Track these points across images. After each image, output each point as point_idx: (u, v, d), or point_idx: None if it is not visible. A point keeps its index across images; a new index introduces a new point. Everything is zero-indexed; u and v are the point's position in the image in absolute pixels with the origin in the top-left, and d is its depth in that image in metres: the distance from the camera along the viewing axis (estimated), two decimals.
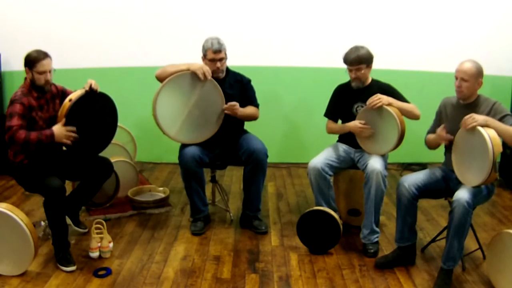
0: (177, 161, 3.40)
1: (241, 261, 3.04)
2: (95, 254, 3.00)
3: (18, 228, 2.70)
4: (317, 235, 3.13)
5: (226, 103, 3.36)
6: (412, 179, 2.93)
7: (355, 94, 3.35)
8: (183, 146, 3.39)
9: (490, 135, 2.52)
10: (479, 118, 2.61)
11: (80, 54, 4.79)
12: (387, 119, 3.12)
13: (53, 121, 2.97)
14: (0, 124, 4.37)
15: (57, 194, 2.80)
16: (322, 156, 3.30)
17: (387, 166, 3.28)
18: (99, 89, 3.05)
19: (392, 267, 2.95)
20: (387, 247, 3.21)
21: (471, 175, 2.67)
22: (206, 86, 3.32)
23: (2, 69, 4.85)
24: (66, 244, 2.91)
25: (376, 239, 3.16)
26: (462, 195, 2.61)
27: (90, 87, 2.96)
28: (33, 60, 2.87)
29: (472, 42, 4.82)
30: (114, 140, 3.48)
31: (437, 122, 3.05)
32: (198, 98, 3.34)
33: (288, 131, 5.13)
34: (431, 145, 3.05)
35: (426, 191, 2.92)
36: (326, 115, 3.55)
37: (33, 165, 2.97)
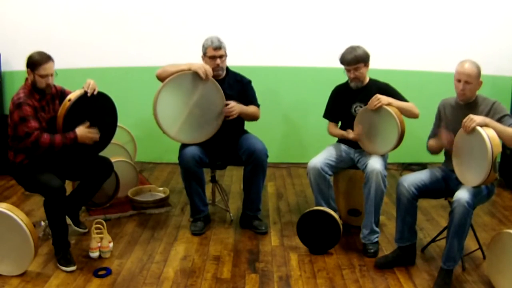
0: (177, 161, 3.40)
1: (241, 261, 3.04)
2: (95, 254, 3.00)
3: (18, 228, 2.70)
4: (317, 235, 3.13)
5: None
6: (412, 179, 2.93)
7: (353, 94, 3.35)
8: (183, 146, 3.39)
9: (489, 135, 2.52)
10: (477, 118, 2.61)
11: (80, 54, 4.79)
12: (387, 119, 3.12)
13: (53, 121, 2.97)
14: (0, 125, 4.40)
15: (57, 194, 2.80)
16: (322, 156, 3.30)
17: (387, 166, 3.28)
18: (99, 89, 3.06)
19: (392, 267, 2.95)
20: (387, 247, 3.21)
21: (470, 175, 2.67)
22: (207, 86, 3.33)
23: (2, 69, 4.85)
24: (66, 244, 2.91)
25: (376, 239, 3.16)
26: (462, 195, 2.61)
27: (88, 91, 2.97)
28: (35, 63, 2.85)
29: (472, 42, 4.82)
30: (114, 140, 3.48)
31: (437, 125, 3.05)
32: (199, 98, 3.34)
33: (288, 131, 5.13)
34: (434, 150, 3.03)
35: (426, 191, 2.92)
36: (325, 116, 3.55)
37: (33, 165, 2.97)
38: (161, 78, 3.31)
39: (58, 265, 2.87)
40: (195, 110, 3.36)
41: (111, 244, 3.07)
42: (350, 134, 3.29)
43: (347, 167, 3.41)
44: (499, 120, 2.69)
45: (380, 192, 3.07)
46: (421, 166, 4.82)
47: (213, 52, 3.35)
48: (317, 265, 3.00)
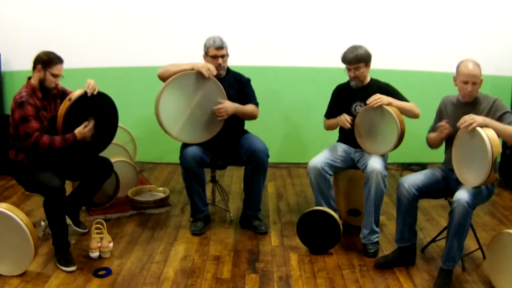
0: (177, 161, 3.40)
1: (241, 261, 3.04)
2: (95, 254, 3.00)
3: (18, 228, 2.70)
4: (317, 235, 3.13)
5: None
6: (412, 180, 2.93)
7: (354, 93, 3.36)
8: (184, 146, 3.39)
9: (489, 136, 2.52)
10: (478, 118, 2.61)
11: (80, 54, 4.79)
12: (387, 119, 3.12)
13: (54, 120, 2.98)
14: (0, 125, 4.40)
15: (57, 194, 2.80)
16: (322, 156, 3.30)
17: (387, 166, 3.28)
18: (99, 89, 3.06)
19: (392, 267, 2.95)
20: (387, 247, 3.21)
21: (470, 176, 2.67)
22: (209, 86, 3.32)
23: (2, 69, 4.85)
24: (66, 244, 2.91)
25: (376, 239, 3.16)
26: (462, 195, 2.61)
27: (88, 91, 2.98)
28: (50, 61, 2.89)
29: (472, 42, 4.82)
30: (114, 140, 3.48)
31: (438, 121, 3.05)
32: (201, 98, 3.34)
33: (288, 131, 5.13)
34: (433, 143, 3.04)
35: (426, 191, 2.92)
36: (326, 116, 3.56)
37: (34, 165, 2.97)
38: (163, 78, 3.31)
39: (58, 265, 2.87)
40: (197, 110, 3.36)
41: (111, 244, 3.07)
42: (343, 116, 3.24)
43: (347, 167, 3.41)
44: (500, 117, 2.69)
45: (380, 192, 3.07)
46: (421, 166, 4.81)
47: (215, 51, 3.35)
48: (317, 265, 3.00)
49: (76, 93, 2.99)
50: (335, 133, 3.55)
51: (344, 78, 3.43)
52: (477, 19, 4.86)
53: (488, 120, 2.62)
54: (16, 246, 2.74)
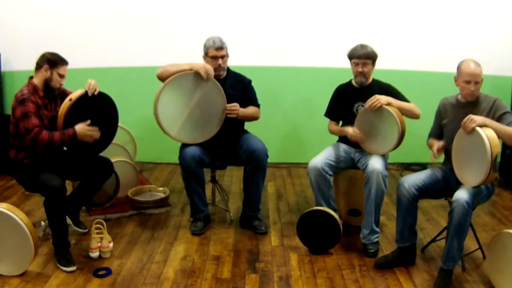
0: (177, 161, 3.40)
1: (241, 261, 3.04)
2: (95, 254, 3.00)
3: (18, 228, 2.70)
4: (317, 235, 3.13)
5: (227, 103, 3.36)
6: (412, 180, 2.93)
7: (355, 93, 3.36)
8: (184, 146, 3.39)
9: (488, 135, 2.52)
10: (477, 119, 2.61)
11: (80, 54, 4.78)
12: (387, 119, 3.12)
13: (55, 120, 2.98)
14: (0, 125, 4.41)
15: (58, 193, 2.80)
16: (322, 156, 3.30)
17: (387, 166, 3.28)
18: (99, 89, 3.06)
19: (392, 267, 2.95)
20: (387, 247, 3.21)
21: (470, 176, 2.67)
22: (208, 86, 3.33)
23: (2, 69, 4.85)
24: (66, 244, 2.91)
25: (376, 239, 3.16)
26: (462, 195, 2.61)
27: (88, 92, 2.99)
28: (58, 61, 2.95)
29: (472, 42, 4.82)
30: (114, 140, 3.48)
31: (437, 123, 3.05)
32: (200, 98, 3.34)
33: (288, 131, 5.13)
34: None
35: (426, 191, 2.92)
36: (326, 115, 3.56)
37: (34, 164, 2.97)
38: (162, 78, 3.31)
39: (58, 265, 2.87)
40: (196, 110, 3.36)
41: (111, 244, 3.07)
42: (349, 130, 3.26)
43: (348, 167, 3.41)
44: (500, 117, 2.69)
45: (380, 192, 3.07)
46: (421, 166, 4.82)
47: (215, 52, 3.35)
48: (317, 265, 3.00)
49: (76, 93, 2.99)
50: None
51: (344, 78, 3.44)
52: (477, 19, 4.86)
53: (487, 121, 2.62)
54: (16, 246, 2.74)
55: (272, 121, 4.93)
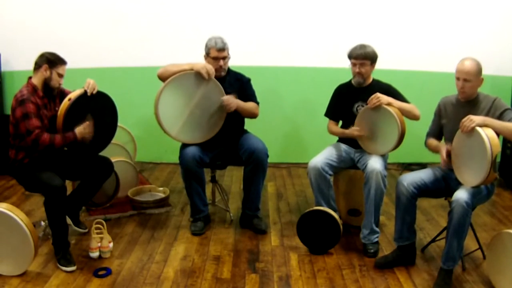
0: (177, 161, 3.40)
1: (241, 261, 3.04)
2: (95, 254, 3.00)
3: (18, 228, 2.70)
4: (317, 235, 3.13)
5: None
6: (412, 178, 2.92)
7: (355, 93, 3.36)
8: (184, 146, 3.39)
9: (488, 135, 2.52)
10: (477, 118, 2.60)
11: (80, 54, 4.79)
12: (387, 119, 3.12)
13: (54, 119, 2.98)
14: (0, 125, 4.40)
15: (58, 192, 2.80)
16: (322, 156, 3.30)
17: (387, 166, 3.28)
18: (98, 89, 3.07)
19: (392, 267, 2.95)
20: (387, 247, 3.21)
21: (470, 176, 2.67)
22: (209, 87, 3.33)
23: (2, 69, 4.85)
24: (66, 244, 2.91)
25: (376, 239, 3.16)
26: (461, 195, 2.60)
27: (88, 90, 3.00)
28: (57, 61, 2.96)
29: (472, 42, 4.82)
30: (114, 140, 3.48)
31: (437, 122, 3.05)
32: (200, 98, 3.34)
33: (288, 131, 5.13)
34: (432, 151, 3.04)
35: (425, 190, 2.92)
36: (326, 115, 3.56)
37: (34, 164, 2.97)
38: (163, 78, 3.31)
39: (58, 265, 2.87)
40: (196, 110, 3.36)
41: (111, 244, 3.07)
42: (354, 132, 3.26)
43: (347, 167, 3.41)
44: (500, 115, 2.68)
45: (380, 192, 3.07)
46: (421, 166, 4.81)
47: (217, 53, 3.35)
48: (317, 265, 3.00)
49: (75, 92, 3.00)
50: None
51: (344, 78, 3.43)
52: (477, 19, 4.86)
53: (488, 120, 2.61)
54: (16, 246, 2.74)
55: (272, 121, 4.93)
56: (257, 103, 3.55)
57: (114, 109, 3.23)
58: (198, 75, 3.27)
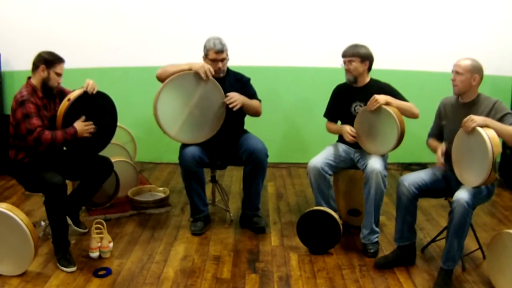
0: (177, 161, 3.40)
1: (241, 261, 3.04)
2: (95, 254, 3.00)
3: (18, 228, 2.70)
4: (317, 235, 3.13)
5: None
6: (412, 178, 2.93)
7: (353, 93, 3.36)
8: (183, 146, 3.39)
9: (489, 136, 2.52)
10: (478, 119, 2.60)
11: (80, 54, 4.79)
12: (387, 119, 3.11)
13: (54, 119, 2.98)
14: (0, 125, 4.40)
15: (59, 190, 2.80)
16: (322, 156, 3.30)
17: (387, 166, 3.28)
18: (98, 89, 3.07)
19: (392, 267, 2.95)
20: (387, 247, 3.21)
21: (471, 176, 2.67)
22: (208, 86, 3.33)
23: (2, 69, 4.85)
24: (66, 243, 2.91)
25: (376, 239, 3.16)
26: (462, 195, 2.60)
27: (87, 91, 2.99)
28: (53, 61, 2.94)
29: (472, 42, 4.82)
30: (114, 140, 3.48)
31: (437, 123, 3.05)
32: (199, 98, 3.34)
33: (288, 131, 5.13)
34: (433, 151, 3.04)
35: (426, 190, 2.92)
36: (325, 115, 3.56)
37: (34, 163, 2.97)
38: (162, 79, 3.31)
39: (58, 265, 2.87)
40: (195, 110, 3.36)
41: (111, 244, 3.07)
42: (346, 127, 3.28)
43: (347, 167, 3.41)
44: (501, 118, 2.68)
45: (380, 192, 3.07)
46: (421, 166, 4.81)
47: (215, 55, 3.34)
48: (317, 265, 3.00)
49: (75, 92, 3.00)
50: None
51: (344, 78, 3.43)
52: (477, 19, 4.86)
53: (488, 120, 2.61)
54: (16, 246, 2.74)
55: (272, 121, 4.93)
56: (260, 101, 3.55)
57: (114, 109, 3.23)
58: (197, 75, 3.27)
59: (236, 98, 3.33)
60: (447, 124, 2.95)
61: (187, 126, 3.36)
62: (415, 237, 3.01)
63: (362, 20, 4.84)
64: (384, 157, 3.26)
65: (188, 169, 3.31)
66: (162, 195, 3.96)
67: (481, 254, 3.06)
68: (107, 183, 3.48)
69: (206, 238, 3.35)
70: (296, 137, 5.14)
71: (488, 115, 2.71)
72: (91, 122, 3.03)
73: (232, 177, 4.68)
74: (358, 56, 3.24)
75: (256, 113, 3.52)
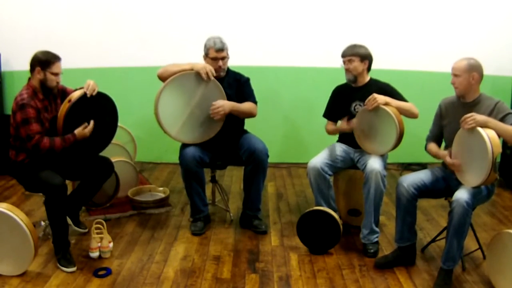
0: (177, 161, 3.40)
1: (241, 261, 3.04)
2: (95, 254, 3.00)
3: (18, 228, 2.70)
4: (317, 235, 3.13)
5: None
6: (412, 179, 2.92)
7: (353, 93, 3.36)
8: (184, 146, 3.39)
9: (489, 136, 2.52)
10: (479, 118, 2.60)
11: (80, 54, 4.79)
12: (386, 119, 3.11)
13: (55, 121, 2.98)
14: (0, 125, 4.40)
15: (59, 191, 2.80)
16: (322, 156, 3.30)
17: (386, 166, 3.28)
18: (98, 89, 3.06)
19: (392, 267, 2.95)
20: (387, 247, 3.21)
21: (470, 176, 2.67)
22: (209, 87, 3.33)
23: (2, 69, 4.85)
24: (66, 243, 2.91)
25: (376, 239, 3.16)
26: (462, 195, 2.60)
27: (87, 92, 2.97)
28: (48, 61, 2.88)
29: (472, 42, 4.82)
30: (114, 140, 3.48)
31: (437, 124, 3.04)
32: (200, 98, 3.34)
33: (288, 131, 5.13)
34: (433, 156, 3.04)
35: (425, 191, 2.92)
36: (324, 115, 3.56)
37: (34, 164, 2.97)
38: (163, 78, 3.31)
39: (58, 265, 2.87)
40: (196, 110, 3.36)
41: (111, 244, 3.07)
42: (343, 124, 3.32)
43: (347, 167, 3.41)
44: (502, 118, 2.68)
45: (379, 192, 3.07)
46: (421, 166, 4.82)
47: (215, 54, 3.34)
48: (317, 265, 3.00)
49: (75, 94, 2.99)
50: None
51: (344, 78, 3.43)
52: (477, 19, 4.86)
53: (490, 120, 2.61)
54: (16, 246, 2.74)
55: (272, 121, 4.94)
56: (255, 102, 3.53)
57: (114, 110, 3.22)
58: (198, 75, 3.27)
59: (219, 105, 3.30)
60: (448, 124, 2.94)
61: (187, 126, 3.36)
62: (416, 238, 3.01)
63: (362, 20, 4.84)
64: (383, 157, 3.26)
65: (188, 169, 3.31)
66: (162, 195, 3.96)
67: (481, 254, 3.06)
68: (107, 183, 3.48)
69: (206, 238, 3.35)
70: (296, 137, 5.14)
71: (489, 115, 2.71)
72: (91, 124, 3.02)
73: (232, 177, 4.68)
74: (358, 55, 3.25)
75: (249, 116, 3.50)
